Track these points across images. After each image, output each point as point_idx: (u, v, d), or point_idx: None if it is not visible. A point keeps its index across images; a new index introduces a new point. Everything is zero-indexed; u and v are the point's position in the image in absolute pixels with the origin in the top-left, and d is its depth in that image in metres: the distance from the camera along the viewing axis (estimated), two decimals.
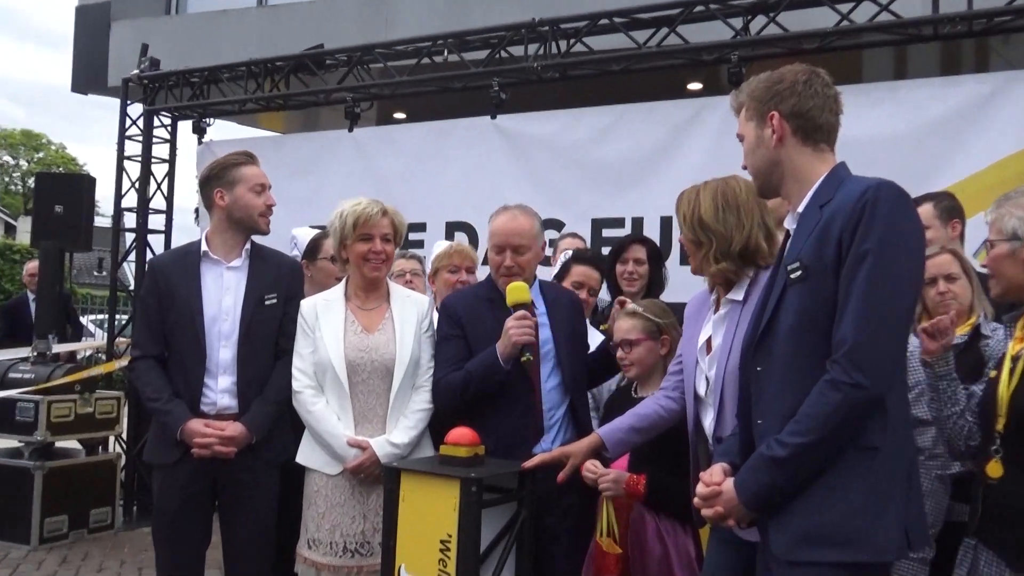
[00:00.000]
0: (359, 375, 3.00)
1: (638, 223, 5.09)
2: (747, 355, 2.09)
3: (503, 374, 2.90)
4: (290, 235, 4.20)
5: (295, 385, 3.05)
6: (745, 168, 2.17)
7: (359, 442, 2.96)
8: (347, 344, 3.01)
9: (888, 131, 4.47)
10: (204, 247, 3.27)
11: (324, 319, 3.06)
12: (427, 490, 2.57)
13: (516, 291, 2.95)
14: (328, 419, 2.99)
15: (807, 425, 1.87)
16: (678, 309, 3.35)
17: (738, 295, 2.39)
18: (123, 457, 6.52)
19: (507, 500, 2.69)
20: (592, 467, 2.77)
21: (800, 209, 2.05)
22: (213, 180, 3.26)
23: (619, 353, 2.96)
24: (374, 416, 3.02)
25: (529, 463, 2.72)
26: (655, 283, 3.89)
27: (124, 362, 6.10)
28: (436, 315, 3.23)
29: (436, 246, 4.11)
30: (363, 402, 3.01)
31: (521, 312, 2.90)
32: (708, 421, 2.42)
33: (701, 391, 2.45)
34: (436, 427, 3.05)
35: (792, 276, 1.96)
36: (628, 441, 2.71)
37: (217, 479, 3.19)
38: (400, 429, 3.01)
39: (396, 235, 3.12)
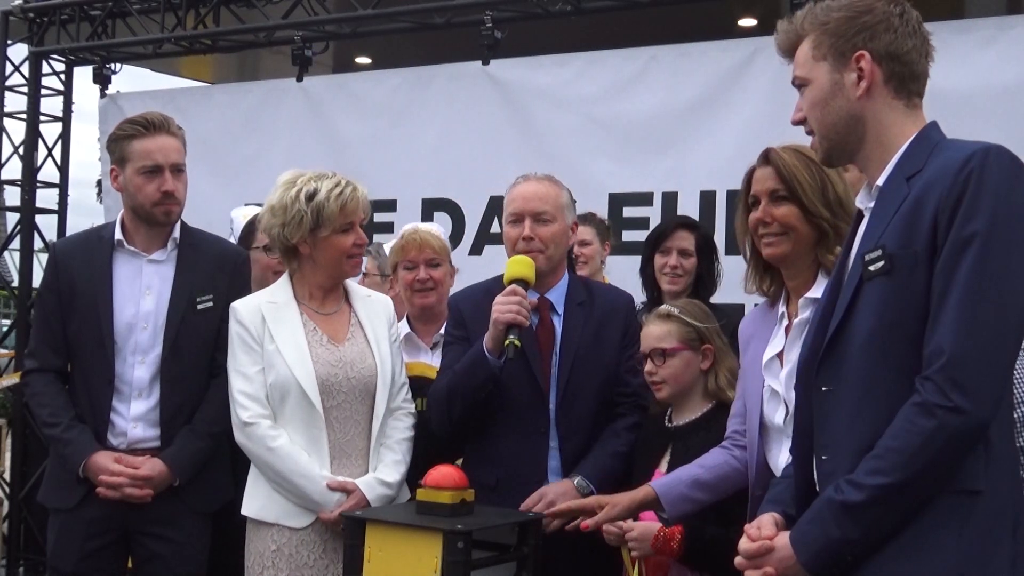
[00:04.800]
0: (334, 398, 3.02)
1: (670, 200, 5.09)
2: (808, 371, 2.10)
3: (489, 371, 2.94)
4: (229, 216, 4.20)
5: (244, 416, 2.99)
6: (799, 123, 2.16)
7: (343, 484, 2.97)
8: (315, 359, 3.02)
9: (998, 81, 4.48)
10: (118, 234, 3.29)
11: (276, 327, 3.05)
12: (400, 547, 2.58)
13: (517, 265, 3.00)
14: (297, 457, 2.97)
15: (890, 461, 1.88)
16: (722, 312, 3.36)
17: (818, 292, 2.40)
18: (5, 503, 6.53)
19: (504, 559, 2.71)
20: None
21: (880, 182, 2.06)
22: (109, 154, 3.32)
23: (648, 367, 2.99)
24: (353, 450, 3.05)
25: (545, 507, 2.74)
26: (704, 281, 3.90)
27: (7, 381, 6.10)
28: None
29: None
30: (340, 433, 3.03)
31: (511, 287, 2.94)
32: (783, 457, 2.44)
33: (778, 419, 2.49)
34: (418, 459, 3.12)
35: (871, 268, 1.97)
36: (692, 499, 2.70)
37: (130, 530, 3.20)
38: (388, 465, 3.05)
39: (364, 220, 3.16)
